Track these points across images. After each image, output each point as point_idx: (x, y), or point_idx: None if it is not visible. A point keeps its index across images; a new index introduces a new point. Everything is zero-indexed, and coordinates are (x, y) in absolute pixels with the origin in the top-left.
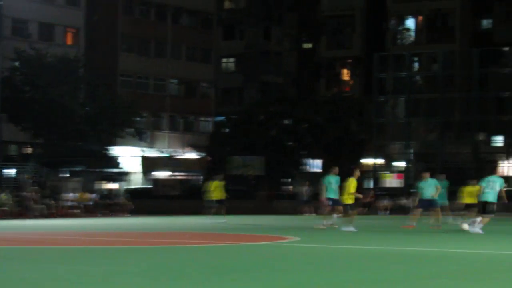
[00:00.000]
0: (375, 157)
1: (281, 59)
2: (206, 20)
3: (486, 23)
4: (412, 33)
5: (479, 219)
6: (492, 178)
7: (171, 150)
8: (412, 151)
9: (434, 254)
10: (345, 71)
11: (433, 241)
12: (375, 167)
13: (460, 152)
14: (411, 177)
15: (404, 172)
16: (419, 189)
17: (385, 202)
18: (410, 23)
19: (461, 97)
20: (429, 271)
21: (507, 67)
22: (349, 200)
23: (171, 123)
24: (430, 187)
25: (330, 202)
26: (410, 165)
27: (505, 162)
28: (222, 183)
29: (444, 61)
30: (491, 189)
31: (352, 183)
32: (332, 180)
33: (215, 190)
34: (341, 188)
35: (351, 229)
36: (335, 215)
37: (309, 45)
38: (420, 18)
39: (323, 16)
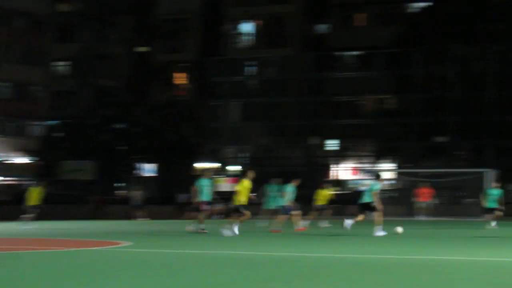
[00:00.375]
0: (210, 161)
1: (116, 63)
2: (39, 23)
3: (321, 28)
4: (248, 38)
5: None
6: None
7: (3, 154)
8: (246, 155)
9: (269, 258)
10: (180, 75)
11: (271, 245)
12: (209, 171)
13: (294, 156)
14: None
15: (239, 176)
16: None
17: (220, 206)
18: (246, 27)
19: (296, 102)
20: (261, 275)
21: (341, 72)
22: (242, 201)
23: (1, 127)
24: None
25: (209, 206)
26: (244, 169)
27: (339, 165)
28: (42, 189)
29: (280, 65)
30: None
31: (245, 185)
32: (206, 183)
33: (35, 196)
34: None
35: (235, 232)
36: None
37: (145, 49)
38: (255, 22)
39: (159, 19)
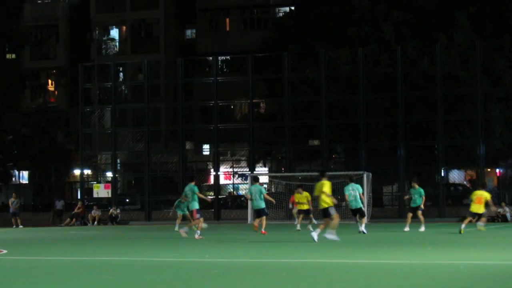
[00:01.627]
0: (84, 167)
1: None
2: None
3: (190, 33)
4: (117, 43)
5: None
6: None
7: None
8: (119, 161)
9: (150, 264)
10: (50, 81)
11: (154, 251)
12: (84, 178)
13: (168, 161)
14: (120, 187)
15: (112, 182)
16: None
17: (95, 213)
18: (115, 33)
19: (168, 107)
20: (141, 280)
21: (211, 77)
22: (329, 203)
23: None
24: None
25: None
26: (118, 175)
27: (214, 170)
28: None
29: (150, 71)
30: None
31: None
32: (196, 190)
33: None
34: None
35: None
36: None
37: (13, 56)
38: (124, 28)
39: (26, 26)
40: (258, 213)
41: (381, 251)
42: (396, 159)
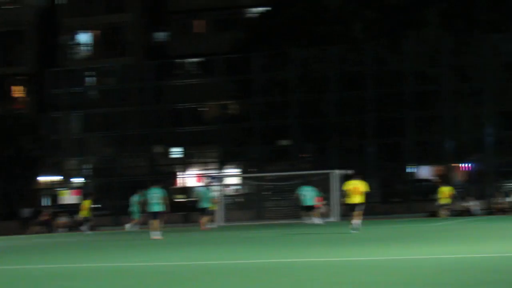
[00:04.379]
0: (52, 174)
1: None
2: None
3: (160, 36)
4: (86, 48)
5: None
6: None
7: None
8: (89, 166)
9: (115, 269)
10: (18, 88)
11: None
12: (52, 184)
13: (138, 165)
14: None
15: (82, 188)
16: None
17: (64, 220)
18: (83, 37)
19: (138, 111)
20: (104, 287)
21: (183, 79)
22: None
23: None
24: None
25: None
26: (88, 181)
27: (184, 173)
28: None
29: (120, 75)
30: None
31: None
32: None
33: None
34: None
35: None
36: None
37: None
38: (93, 32)
39: None
40: (205, 211)
41: (348, 248)
42: (365, 157)
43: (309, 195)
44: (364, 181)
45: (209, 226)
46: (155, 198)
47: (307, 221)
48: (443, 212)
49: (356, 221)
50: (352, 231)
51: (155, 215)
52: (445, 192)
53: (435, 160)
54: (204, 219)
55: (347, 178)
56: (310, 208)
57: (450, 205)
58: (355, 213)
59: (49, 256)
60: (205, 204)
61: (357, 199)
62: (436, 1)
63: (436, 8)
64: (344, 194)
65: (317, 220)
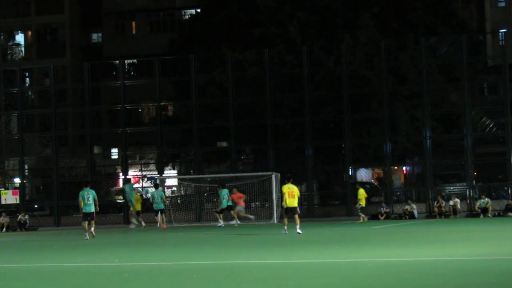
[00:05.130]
0: None
1: None
2: None
3: (96, 37)
4: (22, 48)
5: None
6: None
7: None
8: (27, 166)
9: (60, 270)
10: None
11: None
12: None
13: (77, 166)
14: (29, 193)
15: (20, 188)
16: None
17: (3, 220)
18: (20, 38)
19: (75, 111)
20: (51, 287)
21: (118, 80)
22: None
23: None
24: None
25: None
26: (26, 181)
27: (123, 174)
28: None
29: (56, 75)
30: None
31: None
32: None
33: None
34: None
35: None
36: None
37: None
38: (29, 33)
39: None
40: (161, 212)
41: (291, 250)
42: (304, 159)
43: (225, 198)
44: (297, 185)
45: (164, 225)
46: (90, 199)
47: (233, 222)
48: (362, 215)
49: (297, 224)
50: (298, 232)
51: (90, 215)
52: (361, 194)
53: (374, 162)
54: (164, 218)
55: (282, 182)
56: (230, 209)
57: (364, 208)
58: (296, 216)
59: None
60: (160, 206)
61: (294, 202)
62: (369, 5)
63: (371, 11)
64: (281, 197)
65: (234, 221)
